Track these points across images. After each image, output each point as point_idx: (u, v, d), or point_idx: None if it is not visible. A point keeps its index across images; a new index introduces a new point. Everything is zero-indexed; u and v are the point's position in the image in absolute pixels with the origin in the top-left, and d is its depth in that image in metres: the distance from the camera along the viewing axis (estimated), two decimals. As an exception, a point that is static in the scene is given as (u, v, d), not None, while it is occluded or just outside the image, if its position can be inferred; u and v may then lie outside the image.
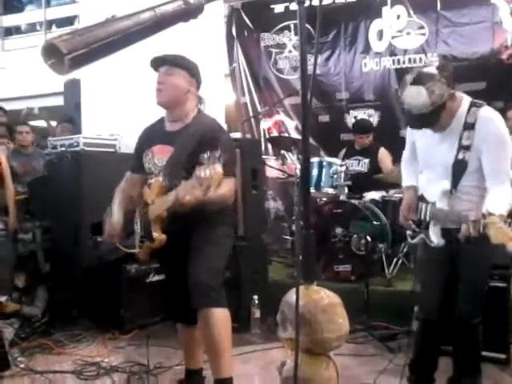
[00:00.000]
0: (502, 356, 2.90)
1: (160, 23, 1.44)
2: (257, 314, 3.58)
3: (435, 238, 2.22)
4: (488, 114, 2.11)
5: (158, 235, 2.29)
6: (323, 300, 1.64)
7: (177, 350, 3.04)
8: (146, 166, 2.46)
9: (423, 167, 2.34)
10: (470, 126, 2.09)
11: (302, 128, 1.72)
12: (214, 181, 1.95)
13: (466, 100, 2.17)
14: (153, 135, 2.50)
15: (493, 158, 2.07)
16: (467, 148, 2.09)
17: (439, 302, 2.25)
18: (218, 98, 5.27)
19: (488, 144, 2.07)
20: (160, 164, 2.39)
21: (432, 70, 2.08)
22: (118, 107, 4.47)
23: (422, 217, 2.25)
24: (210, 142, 2.23)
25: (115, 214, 2.52)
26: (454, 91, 2.12)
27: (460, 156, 2.11)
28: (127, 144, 4.51)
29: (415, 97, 2.05)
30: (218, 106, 5.44)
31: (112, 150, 4.33)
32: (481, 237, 2.05)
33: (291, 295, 1.71)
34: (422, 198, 2.28)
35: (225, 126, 5.54)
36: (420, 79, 2.06)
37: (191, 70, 2.42)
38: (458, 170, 2.13)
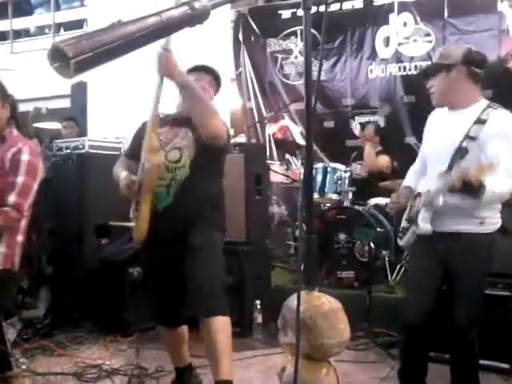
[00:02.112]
0: (506, 366, 2.88)
1: (166, 28, 1.45)
2: (259, 318, 3.58)
3: (422, 223, 2.18)
4: (502, 115, 2.13)
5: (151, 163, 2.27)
6: (324, 306, 1.63)
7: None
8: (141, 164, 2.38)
9: (428, 160, 2.34)
10: (481, 121, 2.12)
11: (306, 133, 1.73)
12: None
13: (484, 100, 2.21)
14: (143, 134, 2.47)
15: (497, 151, 2.05)
16: (472, 138, 2.11)
17: (426, 309, 2.21)
18: (223, 102, 5.29)
19: (496, 140, 2.06)
20: (165, 140, 2.41)
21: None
22: (123, 110, 4.50)
23: (414, 211, 2.23)
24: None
25: (123, 173, 2.45)
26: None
27: (464, 144, 2.13)
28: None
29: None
30: (223, 110, 5.46)
31: (117, 152, 4.35)
32: (476, 242, 2.05)
33: (292, 300, 1.71)
34: (418, 195, 2.27)
35: (231, 131, 5.59)
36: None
37: (216, 75, 2.58)
38: (457, 155, 2.14)
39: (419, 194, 2.26)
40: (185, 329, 2.59)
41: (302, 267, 1.72)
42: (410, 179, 2.48)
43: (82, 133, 4.81)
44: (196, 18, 1.46)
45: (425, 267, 2.26)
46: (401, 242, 2.41)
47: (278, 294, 3.51)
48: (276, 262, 4.56)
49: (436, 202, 2.13)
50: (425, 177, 2.35)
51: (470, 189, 1.93)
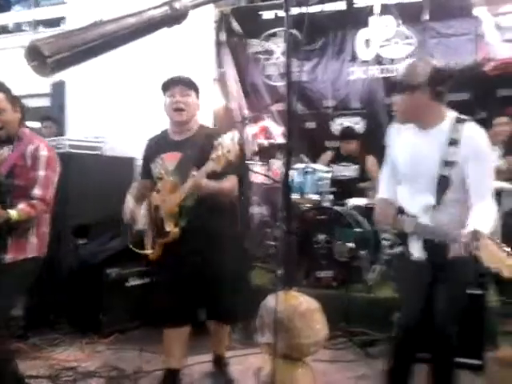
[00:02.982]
0: (478, 362, 2.95)
1: (145, 28, 1.46)
2: (238, 319, 3.58)
3: (416, 251, 2.21)
4: (472, 132, 2.13)
5: (172, 229, 2.52)
6: (301, 306, 1.66)
7: (156, 354, 3.04)
8: (155, 171, 2.71)
9: (403, 179, 2.33)
10: (454, 142, 2.11)
11: (287, 134, 1.75)
12: (231, 154, 2.32)
13: (451, 114, 2.19)
14: (160, 144, 2.77)
15: (477, 175, 2.09)
16: (452, 164, 2.11)
17: (419, 314, 2.24)
18: (206, 102, 5.28)
19: (472, 161, 2.09)
20: (171, 167, 2.64)
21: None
22: (103, 110, 4.46)
23: (404, 229, 2.23)
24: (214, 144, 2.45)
25: (129, 202, 2.73)
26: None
27: (444, 172, 2.12)
28: (113, 147, 4.52)
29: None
30: (206, 110, 5.45)
31: (97, 152, 4.32)
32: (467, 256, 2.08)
33: (269, 301, 1.73)
34: (401, 211, 2.28)
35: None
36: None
37: (198, 91, 2.74)
38: (442, 185, 2.14)
39: (403, 211, 2.26)
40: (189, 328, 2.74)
41: (281, 268, 1.74)
42: (384, 189, 2.45)
43: (60, 132, 4.76)
44: (175, 18, 1.46)
45: (416, 274, 2.27)
46: (390, 251, 2.40)
47: (258, 294, 3.51)
48: (256, 262, 4.57)
49: (426, 233, 2.16)
50: (401, 183, 2.35)
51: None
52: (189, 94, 2.67)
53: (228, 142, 2.35)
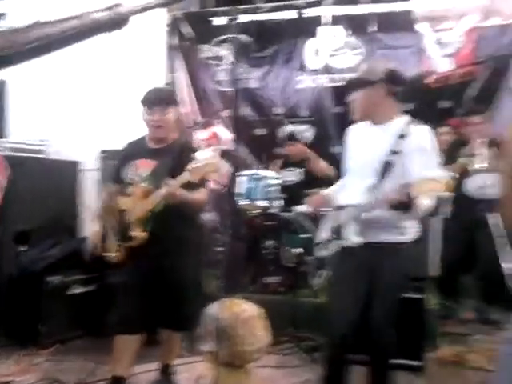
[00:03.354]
0: (418, 363, 3.05)
1: (88, 31, 1.44)
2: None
3: (353, 235, 2.26)
4: (422, 129, 2.26)
5: (138, 234, 2.55)
6: (244, 313, 1.66)
7: (99, 364, 2.96)
8: (127, 176, 2.74)
9: (351, 171, 2.42)
10: (403, 136, 2.22)
11: (233, 140, 1.77)
12: (208, 168, 2.42)
13: (404, 116, 2.32)
14: (136, 150, 2.81)
15: (420, 167, 2.16)
16: (397, 153, 2.21)
17: (352, 316, 2.29)
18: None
19: (417, 154, 2.18)
20: (144, 174, 2.68)
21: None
22: (46, 112, 4.33)
23: (341, 221, 2.30)
24: (190, 156, 2.58)
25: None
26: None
27: (389, 158, 2.22)
28: (58, 150, 4.39)
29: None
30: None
31: (41, 155, 4.18)
32: (399, 251, 2.15)
33: (212, 308, 1.73)
34: (341, 207, 2.34)
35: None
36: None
37: (178, 104, 2.90)
38: (384, 170, 2.23)
39: (344, 207, 2.33)
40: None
41: (224, 275, 1.74)
42: (334, 188, 2.56)
43: (0, 134, 4.57)
44: (117, 23, 1.45)
45: (350, 275, 2.33)
46: (323, 252, 2.47)
47: (205, 300, 3.49)
48: (206, 268, 4.54)
49: (364, 216, 2.22)
50: (346, 188, 2.43)
51: (405, 206, 2.03)
52: (169, 111, 2.74)
53: (207, 156, 2.47)
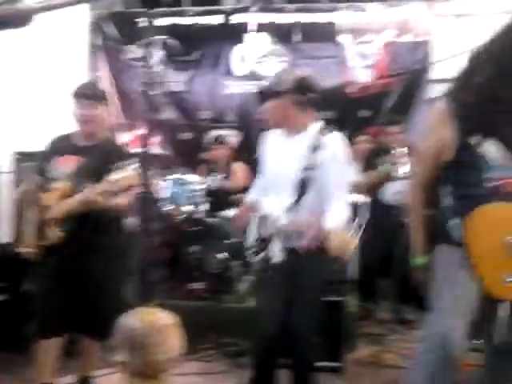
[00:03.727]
0: (337, 365, 3.15)
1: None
2: (106, 335, 3.42)
3: (276, 253, 2.31)
4: (333, 140, 2.30)
5: (55, 233, 2.50)
6: (157, 321, 1.62)
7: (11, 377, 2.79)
8: (51, 172, 2.67)
9: (270, 183, 2.44)
10: (316, 148, 2.26)
11: (143, 144, 1.74)
12: (127, 181, 2.42)
13: (318, 124, 2.35)
14: (62, 146, 2.75)
15: (334, 178, 2.25)
16: (312, 168, 2.25)
17: (278, 321, 2.33)
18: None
19: (331, 165, 2.25)
20: (69, 171, 2.62)
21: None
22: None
23: (265, 234, 2.34)
24: (118, 157, 2.59)
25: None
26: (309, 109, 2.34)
27: (305, 174, 2.26)
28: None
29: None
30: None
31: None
32: (318, 255, 2.21)
33: (125, 317, 1.67)
34: (266, 216, 2.37)
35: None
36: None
37: (107, 101, 2.81)
38: (302, 187, 2.26)
39: (267, 217, 2.35)
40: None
41: (144, 282, 1.70)
42: (253, 194, 2.58)
43: None
44: (20, 19, 1.37)
45: (275, 281, 2.35)
46: (253, 260, 2.50)
47: (124, 309, 3.39)
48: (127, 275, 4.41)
49: (285, 234, 2.27)
50: (269, 195, 2.45)
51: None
52: (97, 107, 2.72)
53: (128, 169, 2.45)
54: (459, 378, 2.65)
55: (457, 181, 1.90)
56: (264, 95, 2.40)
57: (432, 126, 1.98)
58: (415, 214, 2.03)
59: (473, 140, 1.85)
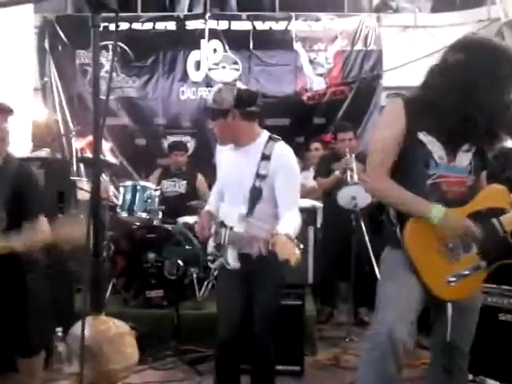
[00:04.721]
0: (297, 368, 3.17)
1: None
2: (60, 347, 3.29)
3: (232, 260, 2.33)
4: (282, 149, 2.34)
5: None
6: (110, 330, 1.58)
7: None
8: None
9: (225, 193, 2.46)
10: (266, 158, 2.29)
11: (94, 148, 1.70)
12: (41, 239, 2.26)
13: (265, 133, 2.38)
14: None
15: (284, 188, 2.29)
16: (263, 177, 2.28)
17: (237, 325, 2.35)
18: (25, 113, 4.85)
19: (281, 175, 2.28)
20: None
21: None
22: None
23: (221, 241, 2.34)
24: (26, 196, 2.29)
25: None
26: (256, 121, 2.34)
27: (256, 184, 2.28)
28: None
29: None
30: (25, 121, 5.00)
31: None
32: (271, 260, 2.22)
33: (76, 327, 1.61)
34: (221, 224, 2.38)
35: (31, 144, 5.13)
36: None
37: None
38: (254, 196, 2.29)
39: (223, 224, 2.35)
40: None
41: (94, 290, 1.65)
42: (211, 203, 2.57)
43: None
44: None
45: (233, 287, 2.37)
46: (212, 266, 2.51)
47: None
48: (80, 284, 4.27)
49: (239, 241, 2.27)
50: (224, 202, 2.47)
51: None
52: (7, 120, 2.35)
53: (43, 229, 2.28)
54: (413, 375, 2.76)
55: (402, 175, 1.94)
56: (207, 114, 2.41)
57: (387, 118, 2.02)
58: (393, 192, 1.94)
59: (421, 136, 1.90)
